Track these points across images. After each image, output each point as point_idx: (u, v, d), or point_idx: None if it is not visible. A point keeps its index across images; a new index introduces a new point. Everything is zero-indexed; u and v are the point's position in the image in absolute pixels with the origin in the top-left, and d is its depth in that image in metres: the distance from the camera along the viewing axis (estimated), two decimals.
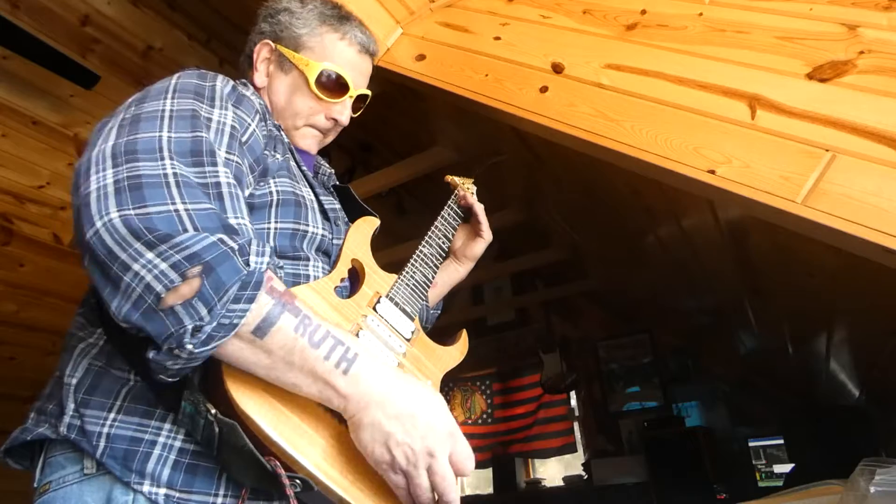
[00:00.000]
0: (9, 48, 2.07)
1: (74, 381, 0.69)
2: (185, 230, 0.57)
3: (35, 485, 0.70)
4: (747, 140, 1.01)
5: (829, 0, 1.07)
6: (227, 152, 0.71)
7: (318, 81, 0.95)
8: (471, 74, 1.43)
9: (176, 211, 0.58)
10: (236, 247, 0.59)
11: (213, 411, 0.61)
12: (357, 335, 0.77)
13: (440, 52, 1.53)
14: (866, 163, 0.89)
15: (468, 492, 4.93)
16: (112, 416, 0.66)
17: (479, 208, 1.12)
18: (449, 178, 1.16)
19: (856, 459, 1.20)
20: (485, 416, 4.89)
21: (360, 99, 1.02)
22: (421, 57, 1.55)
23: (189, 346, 0.55)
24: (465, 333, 0.98)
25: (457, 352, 0.95)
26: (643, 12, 1.28)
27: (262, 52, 0.97)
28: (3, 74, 2.17)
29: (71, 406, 0.67)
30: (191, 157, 0.65)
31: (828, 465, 1.70)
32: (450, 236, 1.06)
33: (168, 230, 0.56)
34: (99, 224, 0.56)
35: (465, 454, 0.65)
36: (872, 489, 1.05)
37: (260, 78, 0.97)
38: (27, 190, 2.57)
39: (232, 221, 0.64)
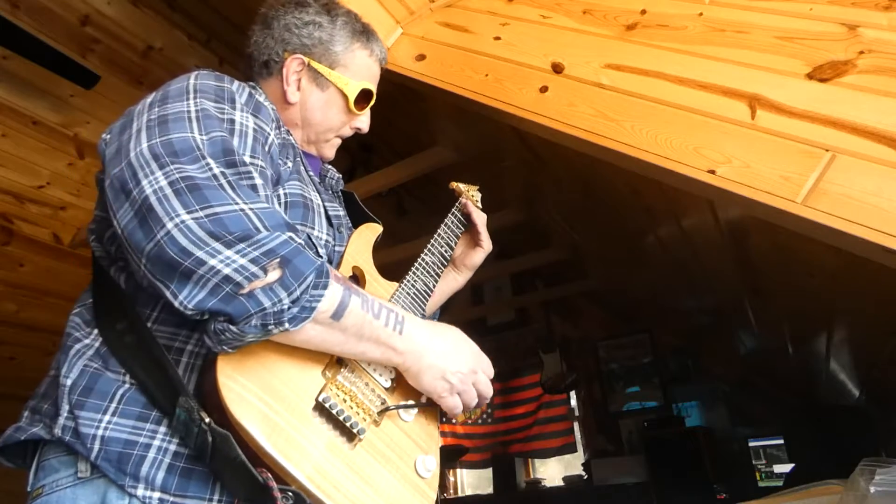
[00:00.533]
0: (9, 48, 2.07)
1: (69, 381, 0.68)
2: (258, 230, 0.62)
3: (28, 489, 0.70)
4: (747, 140, 1.01)
5: (829, 0, 1.07)
6: (251, 156, 0.73)
7: (356, 99, 0.97)
8: (471, 74, 1.43)
9: (242, 210, 0.62)
10: (303, 242, 0.65)
11: (207, 420, 0.62)
12: None
13: (440, 52, 1.53)
14: (866, 163, 0.89)
15: (468, 492, 4.93)
16: (107, 418, 0.66)
17: (480, 218, 1.10)
18: (454, 184, 1.15)
19: (856, 459, 1.20)
20: (485, 416, 4.89)
21: None
22: (421, 57, 1.55)
23: (287, 324, 0.61)
24: None
25: None
26: (643, 12, 1.28)
27: (292, 66, 0.95)
28: (3, 74, 2.17)
29: (66, 407, 0.67)
30: (224, 158, 0.67)
31: (828, 465, 1.70)
32: (452, 244, 1.05)
33: (243, 230, 0.61)
34: (170, 225, 0.59)
35: (488, 362, 0.84)
36: (872, 489, 1.05)
37: (293, 93, 0.95)
38: (27, 190, 2.57)
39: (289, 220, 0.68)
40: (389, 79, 1.61)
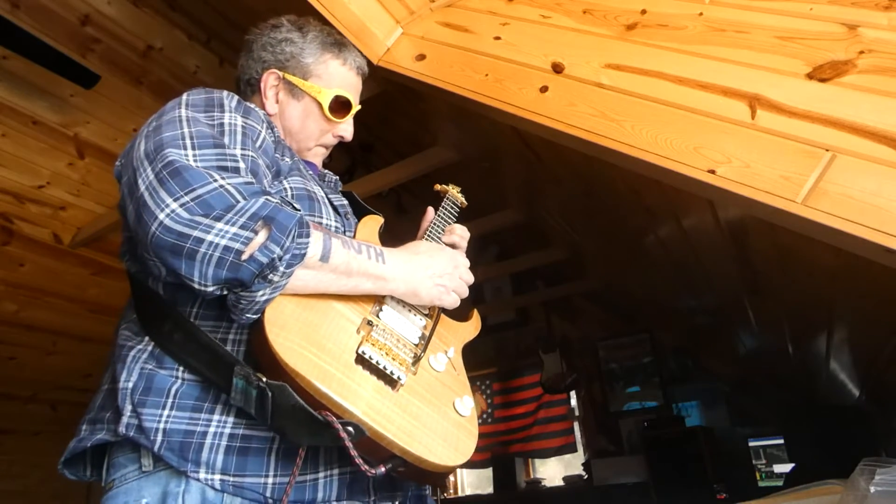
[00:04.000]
0: (9, 48, 2.07)
1: (130, 384, 0.75)
2: (238, 200, 0.68)
3: (102, 484, 0.78)
4: (747, 140, 1.01)
5: (829, 0, 1.07)
6: (242, 149, 0.79)
7: (330, 107, 1.04)
8: (471, 74, 1.43)
9: (222, 186, 0.68)
10: (279, 201, 0.71)
11: (264, 379, 0.68)
12: (382, 308, 0.85)
13: (440, 52, 1.53)
14: (866, 163, 0.89)
15: (468, 491, 4.93)
16: (166, 412, 0.72)
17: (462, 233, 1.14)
18: (438, 186, 1.24)
19: (856, 459, 1.20)
20: (485, 416, 4.89)
21: None
22: (421, 57, 1.55)
23: (281, 269, 0.68)
24: (476, 311, 1.05)
25: (472, 327, 1.02)
26: (643, 12, 1.28)
27: (269, 81, 1.04)
28: (3, 74, 2.17)
29: (129, 407, 0.73)
30: (209, 147, 0.73)
31: (828, 465, 1.70)
32: (445, 232, 1.12)
33: (226, 203, 0.67)
34: (162, 216, 0.66)
35: (460, 254, 0.96)
36: (872, 489, 1.05)
37: (271, 105, 1.04)
38: (27, 190, 2.57)
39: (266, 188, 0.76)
40: (389, 79, 1.61)
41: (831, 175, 0.91)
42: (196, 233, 0.65)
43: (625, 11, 1.30)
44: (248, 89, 1.06)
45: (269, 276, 0.68)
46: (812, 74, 1.01)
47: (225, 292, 0.69)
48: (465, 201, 1.22)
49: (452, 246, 1.13)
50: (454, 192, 1.22)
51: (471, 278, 0.94)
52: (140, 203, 0.68)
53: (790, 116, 0.99)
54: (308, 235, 0.71)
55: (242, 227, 0.66)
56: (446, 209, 1.17)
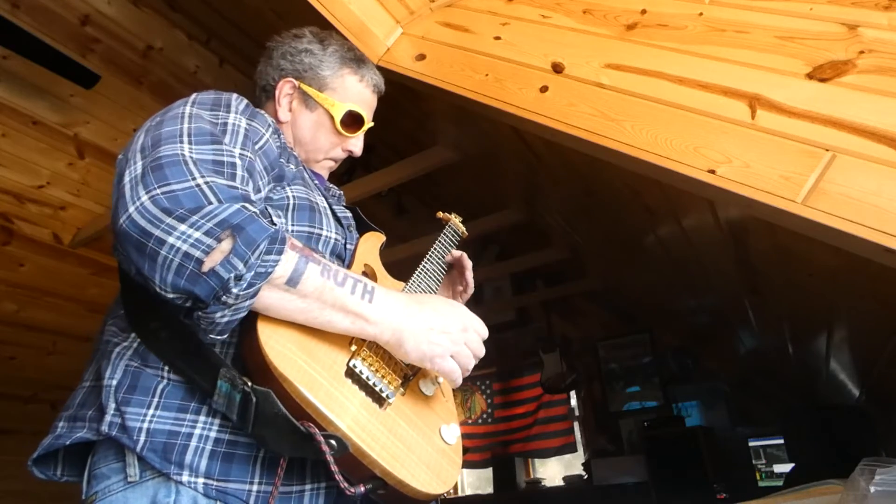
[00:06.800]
0: (9, 48, 2.07)
1: (115, 382, 0.72)
2: (211, 202, 0.63)
3: (83, 497, 0.74)
4: (747, 140, 1.01)
5: (828, 0, 1.07)
6: (241, 149, 0.77)
7: (342, 120, 1.04)
8: (471, 74, 1.43)
9: (198, 185, 0.64)
10: (258, 211, 0.66)
11: (250, 383, 0.65)
12: None
13: (440, 52, 1.53)
14: (866, 163, 0.89)
15: (468, 491, 4.93)
16: (151, 412, 0.70)
17: (466, 261, 1.18)
18: (440, 213, 1.26)
19: (856, 459, 1.20)
20: (485, 415, 4.89)
21: None
22: (421, 57, 1.55)
23: (235, 290, 0.62)
24: None
25: None
26: (643, 12, 1.28)
27: (284, 89, 1.04)
28: (3, 74, 2.17)
29: (112, 405, 0.70)
30: (206, 143, 0.71)
31: (828, 465, 1.70)
32: (446, 258, 1.15)
33: (195, 203, 0.63)
34: (132, 209, 0.62)
35: (479, 321, 0.80)
36: (872, 489, 1.05)
37: (284, 113, 1.04)
38: (27, 190, 2.57)
39: (251, 196, 0.71)
40: (389, 79, 1.61)
41: (831, 175, 0.91)
42: (158, 232, 0.61)
43: (625, 11, 1.30)
44: (262, 95, 1.06)
45: (223, 298, 0.62)
46: (812, 74, 1.01)
47: (188, 304, 0.64)
48: (465, 231, 1.24)
49: (451, 265, 1.15)
50: (456, 220, 1.24)
51: (481, 350, 0.79)
52: (120, 194, 0.65)
53: (790, 116, 0.99)
54: (280, 253, 0.64)
55: (207, 233, 0.61)
56: (447, 237, 1.19)
